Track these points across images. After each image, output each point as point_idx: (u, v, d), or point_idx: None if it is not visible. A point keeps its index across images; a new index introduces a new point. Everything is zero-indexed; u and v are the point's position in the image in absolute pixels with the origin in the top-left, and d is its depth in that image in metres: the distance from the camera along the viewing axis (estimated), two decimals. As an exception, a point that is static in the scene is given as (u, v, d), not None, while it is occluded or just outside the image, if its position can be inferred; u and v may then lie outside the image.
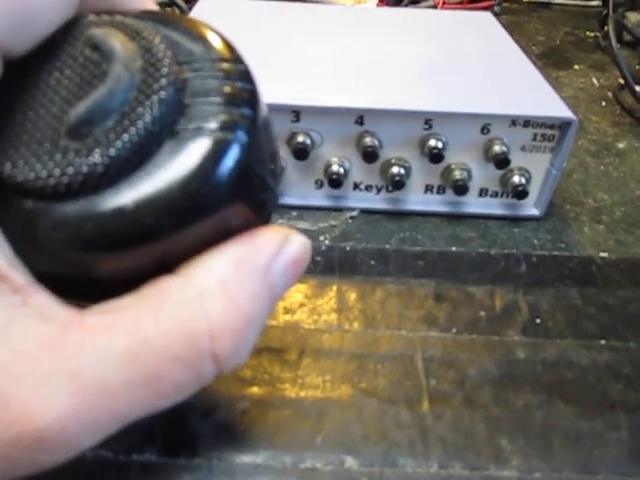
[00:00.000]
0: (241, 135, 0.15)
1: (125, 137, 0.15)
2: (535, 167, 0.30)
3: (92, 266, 0.15)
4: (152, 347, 0.14)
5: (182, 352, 0.15)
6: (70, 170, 0.14)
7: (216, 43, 0.17)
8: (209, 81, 0.16)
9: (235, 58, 0.17)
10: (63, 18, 0.16)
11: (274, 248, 0.16)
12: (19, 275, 0.14)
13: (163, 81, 0.15)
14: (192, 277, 0.16)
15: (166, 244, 0.15)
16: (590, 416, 0.22)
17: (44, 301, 0.14)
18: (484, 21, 0.40)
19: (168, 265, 0.16)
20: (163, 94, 0.15)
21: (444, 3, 0.53)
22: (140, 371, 0.14)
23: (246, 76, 0.17)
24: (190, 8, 0.42)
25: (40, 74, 0.16)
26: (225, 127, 0.15)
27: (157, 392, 0.15)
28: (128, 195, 0.14)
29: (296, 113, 0.28)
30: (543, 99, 0.30)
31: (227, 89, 0.16)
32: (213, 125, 0.15)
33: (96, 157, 0.14)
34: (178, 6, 0.47)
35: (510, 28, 0.42)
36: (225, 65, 0.16)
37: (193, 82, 0.16)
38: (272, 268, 0.16)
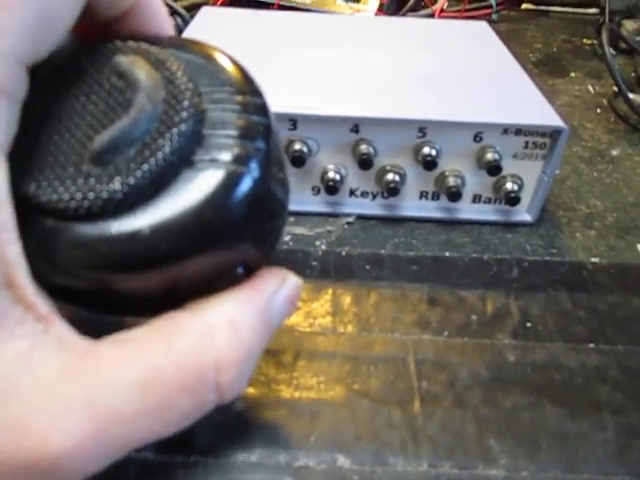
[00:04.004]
0: (254, 167, 0.16)
1: (145, 167, 0.15)
2: (527, 174, 0.30)
3: (106, 285, 0.16)
4: (164, 377, 0.15)
5: (190, 382, 0.16)
6: (91, 195, 0.15)
7: (236, 75, 0.18)
8: (226, 114, 0.17)
9: (253, 91, 0.18)
10: (77, 15, 0.16)
11: (273, 289, 0.19)
12: (43, 304, 0.15)
13: (184, 114, 0.16)
14: (202, 313, 0.17)
15: (178, 269, 0.16)
16: (577, 417, 0.22)
17: (63, 331, 0.15)
18: (479, 31, 0.41)
19: (180, 289, 0.17)
20: (183, 127, 0.16)
21: (442, 11, 0.54)
22: (152, 400, 0.15)
23: (262, 110, 0.17)
24: (192, 16, 0.43)
25: (67, 97, 0.17)
26: (238, 160, 0.16)
27: (165, 420, 0.16)
28: (144, 220, 0.15)
29: (293, 121, 0.29)
30: (535, 108, 0.30)
31: (243, 122, 0.17)
32: (227, 157, 0.16)
33: (116, 185, 0.15)
34: (180, 15, 0.48)
35: (508, 36, 0.43)
36: (243, 98, 0.17)
37: (212, 114, 0.17)
38: (271, 307, 0.18)
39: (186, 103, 0.16)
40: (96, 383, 0.15)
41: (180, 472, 0.20)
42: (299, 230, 0.31)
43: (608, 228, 0.32)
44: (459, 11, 0.56)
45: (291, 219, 0.31)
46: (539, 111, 0.30)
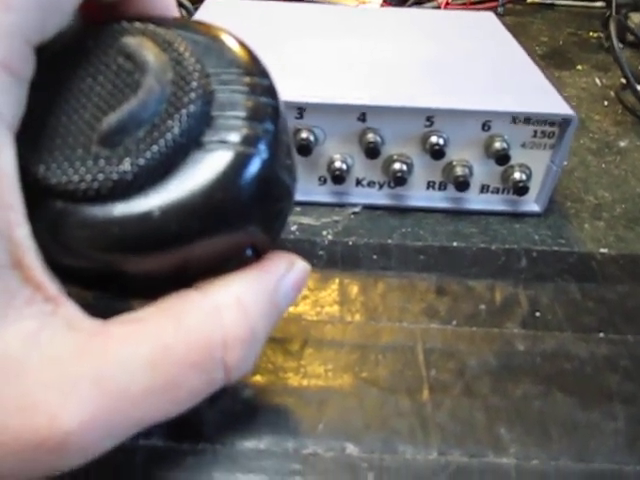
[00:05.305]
0: (262, 149, 0.16)
1: (154, 148, 0.15)
2: (535, 163, 0.30)
3: (116, 266, 0.16)
4: (172, 355, 0.15)
5: (198, 359, 0.16)
6: (101, 176, 0.15)
7: (243, 56, 0.17)
8: (235, 95, 0.16)
9: (260, 72, 0.17)
10: None
11: (282, 272, 0.19)
12: (52, 285, 0.15)
13: (192, 95, 0.16)
14: (210, 292, 0.17)
15: (188, 250, 0.16)
16: (588, 406, 0.22)
17: (72, 311, 0.15)
18: (486, 21, 0.40)
19: (188, 271, 0.17)
20: (192, 107, 0.16)
21: (447, 4, 0.53)
22: (161, 378, 0.15)
23: (270, 91, 0.17)
24: (196, 9, 0.43)
25: (74, 79, 0.16)
26: (247, 141, 0.16)
27: (174, 398, 0.16)
28: (154, 201, 0.15)
29: (300, 110, 0.29)
30: (543, 96, 0.30)
31: (251, 104, 0.16)
32: (236, 138, 0.16)
33: (126, 166, 0.15)
34: (184, 6, 0.48)
35: (514, 29, 0.42)
36: (251, 79, 0.17)
37: (220, 95, 0.16)
38: (279, 289, 0.18)
39: (194, 84, 0.16)
40: (105, 361, 0.15)
41: (188, 459, 0.19)
42: (306, 220, 0.30)
43: (616, 219, 0.32)
44: (465, 4, 0.56)
45: (297, 209, 0.31)
46: (548, 100, 0.30)
